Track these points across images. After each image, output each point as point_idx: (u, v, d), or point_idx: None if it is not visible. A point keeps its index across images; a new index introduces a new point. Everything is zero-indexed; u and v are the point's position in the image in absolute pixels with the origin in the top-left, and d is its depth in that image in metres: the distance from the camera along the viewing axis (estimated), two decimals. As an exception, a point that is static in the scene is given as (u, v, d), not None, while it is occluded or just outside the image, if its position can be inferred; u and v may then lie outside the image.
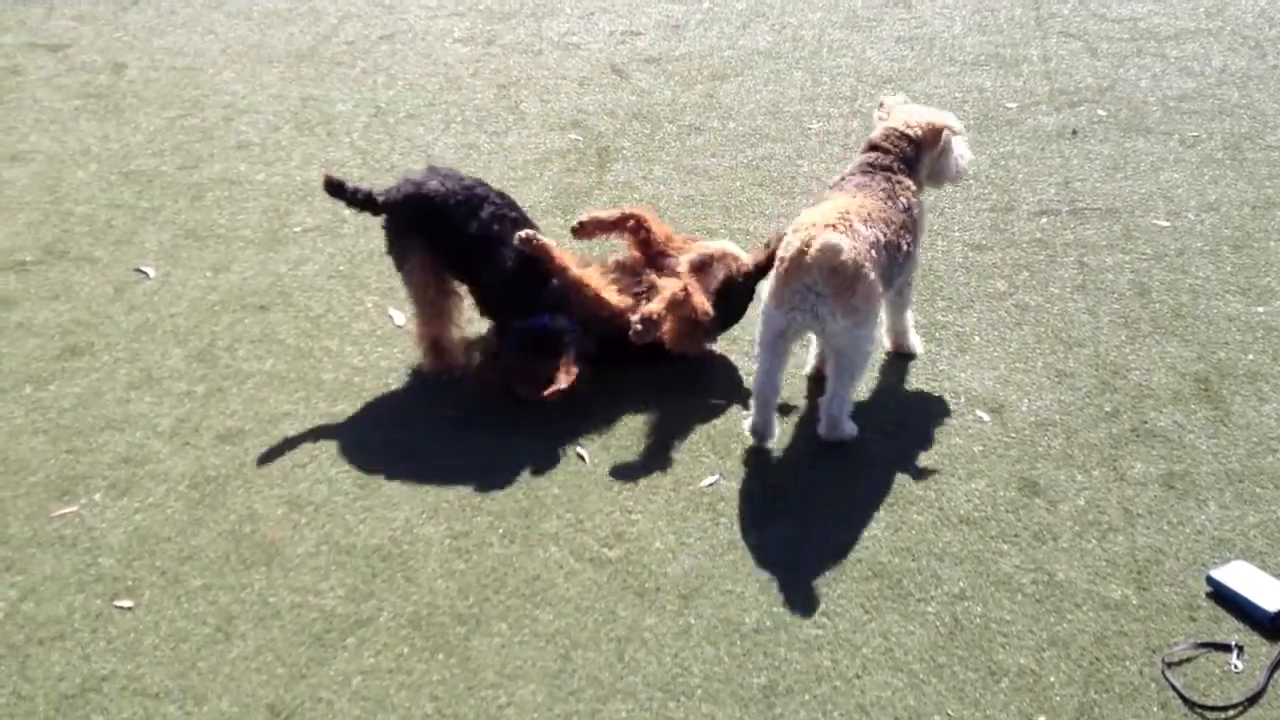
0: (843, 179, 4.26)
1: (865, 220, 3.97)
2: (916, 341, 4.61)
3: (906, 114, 4.35)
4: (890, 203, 4.13)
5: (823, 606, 3.63)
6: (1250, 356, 4.50)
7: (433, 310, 4.59)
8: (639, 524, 3.97)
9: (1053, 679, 3.36)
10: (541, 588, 3.75)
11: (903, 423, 4.30)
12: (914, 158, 4.28)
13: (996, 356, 4.59)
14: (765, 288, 4.05)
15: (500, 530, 3.96)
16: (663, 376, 4.57)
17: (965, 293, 4.94)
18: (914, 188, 4.24)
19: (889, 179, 4.19)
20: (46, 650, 3.61)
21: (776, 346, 4.06)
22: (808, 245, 3.80)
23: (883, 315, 4.31)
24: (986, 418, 4.31)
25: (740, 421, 4.32)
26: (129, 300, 5.21)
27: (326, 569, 3.85)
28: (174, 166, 6.29)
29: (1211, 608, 3.53)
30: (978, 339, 4.69)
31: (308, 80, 7.17)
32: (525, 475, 4.18)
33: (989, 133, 6.10)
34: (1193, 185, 5.57)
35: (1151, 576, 3.65)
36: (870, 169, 4.23)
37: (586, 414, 4.43)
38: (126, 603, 3.77)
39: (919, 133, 4.28)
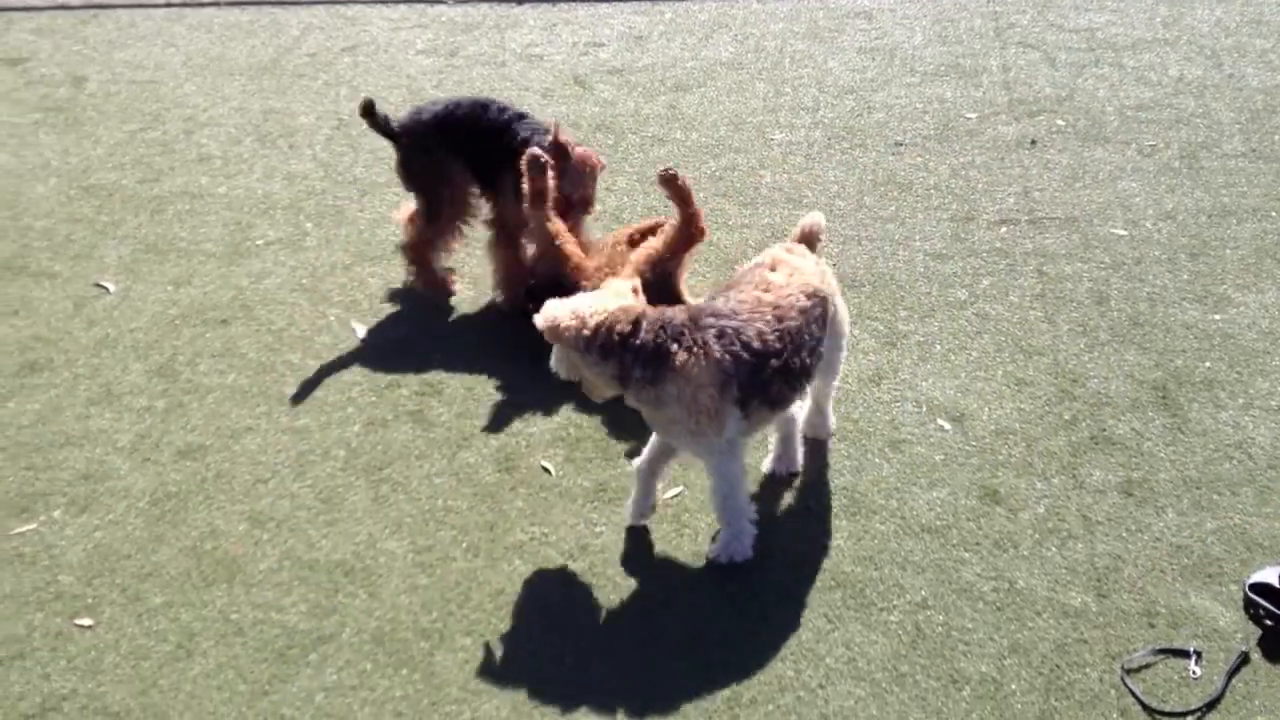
0: None
1: None
2: None
3: None
4: None
5: (786, 617, 3.64)
6: (1207, 364, 4.55)
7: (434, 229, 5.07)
8: (603, 536, 3.97)
9: (1014, 687, 3.39)
10: (505, 602, 3.75)
11: (865, 432, 4.33)
12: None
13: (957, 365, 4.62)
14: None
15: (464, 544, 3.96)
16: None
17: (926, 302, 4.97)
18: None
19: None
20: (5, 670, 3.58)
21: None
22: None
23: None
24: (948, 426, 4.34)
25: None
26: (89, 315, 5.18)
27: (289, 585, 3.84)
28: (134, 180, 6.25)
29: (1169, 614, 3.57)
30: (939, 348, 4.72)
31: (269, 93, 7.14)
32: (490, 488, 4.18)
33: (949, 143, 6.14)
34: (1150, 194, 5.62)
35: (1110, 584, 3.68)
36: None
37: (550, 426, 4.44)
38: (86, 621, 3.74)
39: None
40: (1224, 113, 6.26)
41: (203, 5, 8.49)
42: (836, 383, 4.17)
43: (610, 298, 3.70)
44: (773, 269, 3.78)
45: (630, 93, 6.91)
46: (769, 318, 3.64)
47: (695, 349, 3.56)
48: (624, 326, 3.58)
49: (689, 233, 4.39)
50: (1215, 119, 6.21)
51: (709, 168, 6.08)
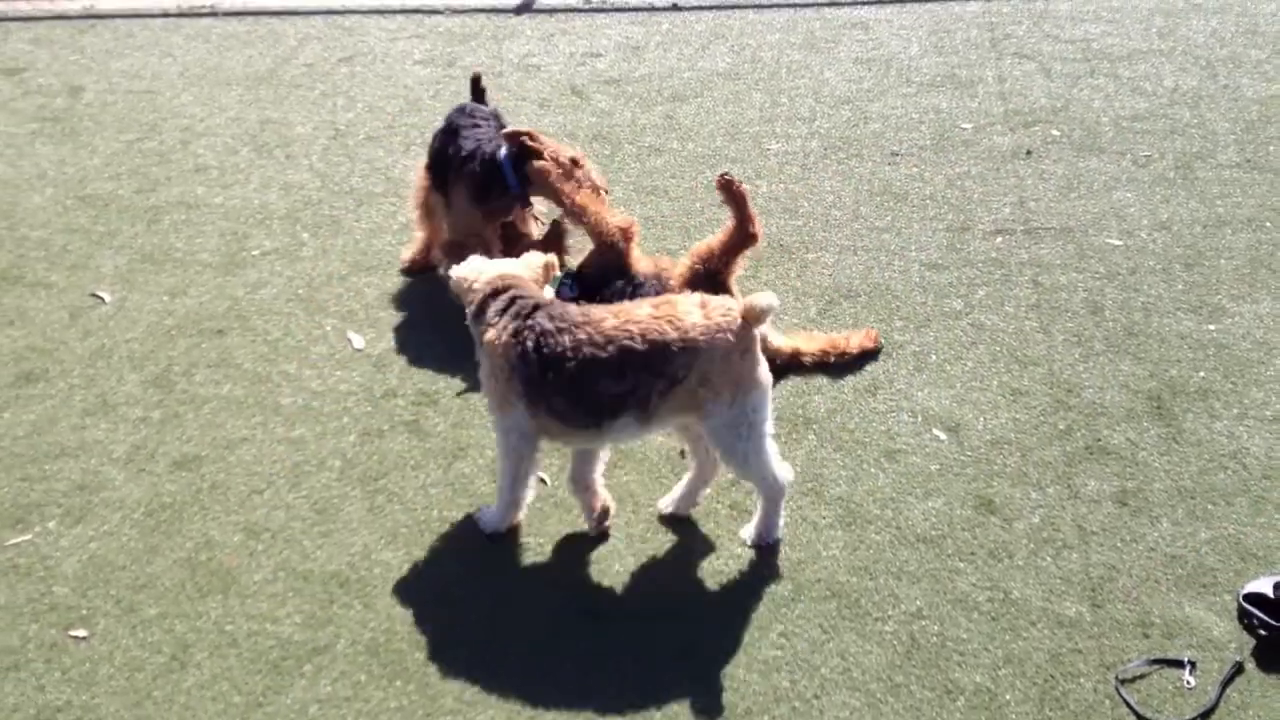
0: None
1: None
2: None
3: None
4: None
5: (781, 627, 3.64)
6: (1201, 374, 4.56)
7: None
8: (599, 546, 3.97)
9: (1008, 697, 3.39)
10: (501, 612, 3.75)
11: (860, 442, 4.33)
12: None
13: (953, 375, 4.63)
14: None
15: (459, 555, 3.96)
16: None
17: (922, 312, 4.98)
18: None
19: None
20: (0, 681, 3.57)
21: None
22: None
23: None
24: (943, 436, 4.34)
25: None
26: (84, 325, 5.18)
27: (284, 596, 3.84)
28: (131, 190, 6.25)
29: (1164, 624, 3.57)
30: (934, 358, 4.72)
31: (266, 103, 7.15)
32: (485, 499, 4.17)
33: (945, 153, 6.16)
34: (1145, 204, 5.63)
35: (1105, 594, 3.68)
36: None
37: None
38: (81, 632, 3.74)
39: None
40: (1219, 123, 6.28)
41: (200, 16, 8.50)
42: (740, 464, 3.77)
43: (516, 266, 3.97)
44: (655, 306, 3.72)
45: (627, 103, 6.92)
46: (584, 336, 3.65)
47: (501, 332, 3.73)
48: (485, 290, 3.84)
49: (743, 236, 4.59)
50: (1210, 129, 6.23)
51: (705, 178, 6.09)
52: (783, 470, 3.84)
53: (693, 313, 3.63)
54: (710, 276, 4.55)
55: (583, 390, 3.65)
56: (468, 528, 4.06)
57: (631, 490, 4.18)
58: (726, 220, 4.63)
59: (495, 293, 3.82)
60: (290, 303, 5.29)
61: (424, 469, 4.33)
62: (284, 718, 3.44)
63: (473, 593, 3.82)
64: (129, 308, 5.29)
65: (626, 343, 3.61)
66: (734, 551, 3.91)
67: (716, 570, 3.85)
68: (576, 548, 3.96)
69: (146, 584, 3.90)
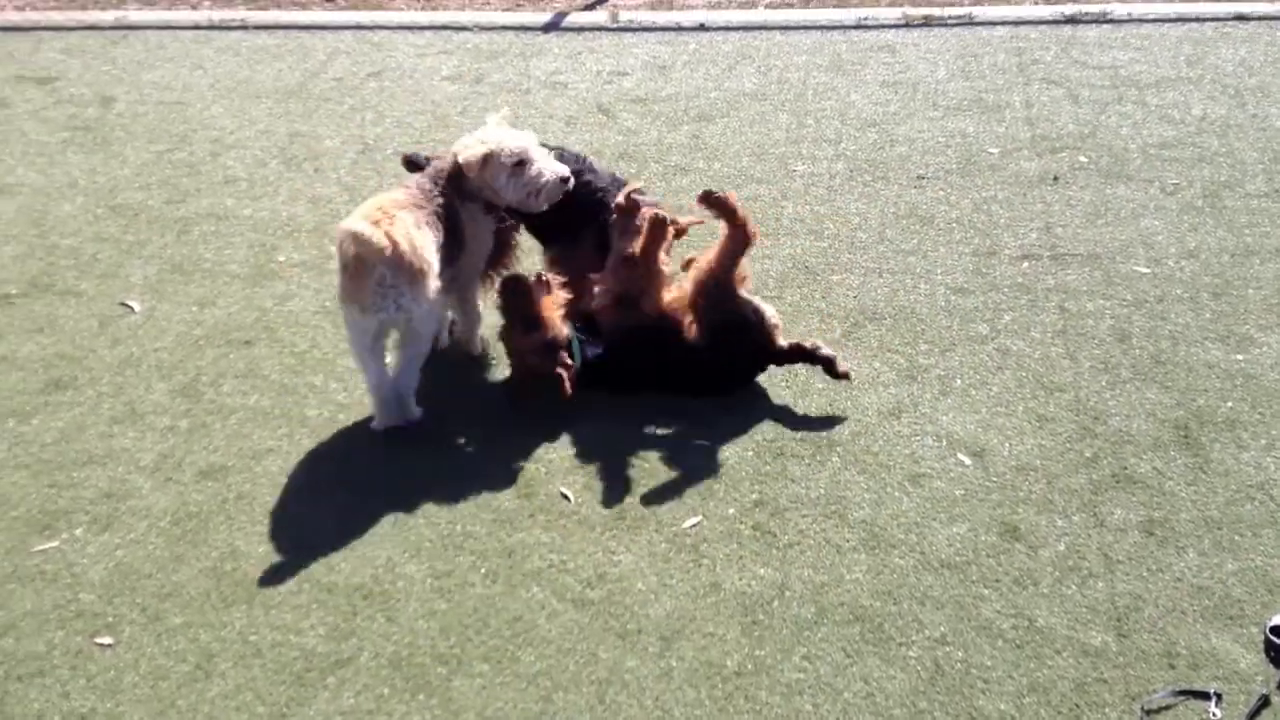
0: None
1: (400, 207, 4.38)
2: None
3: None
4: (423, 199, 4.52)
5: (804, 650, 3.64)
6: (1229, 404, 4.54)
7: None
8: (621, 565, 3.98)
9: (1033, 725, 3.38)
10: (523, 628, 3.75)
11: (885, 465, 4.33)
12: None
13: (978, 400, 4.62)
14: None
15: (483, 570, 3.97)
16: (647, 416, 4.59)
17: (947, 336, 4.97)
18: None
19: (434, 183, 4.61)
20: (25, 687, 3.59)
21: (375, 349, 4.44)
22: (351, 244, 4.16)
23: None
24: (968, 461, 4.33)
25: (722, 461, 4.35)
26: (113, 334, 5.21)
27: (308, 607, 3.85)
28: (161, 200, 6.30)
29: (1190, 655, 3.55)
30: (959, 382, 4.72)
31: (296, 116, 7.20)
32: (509, 514, 4.19)
33: (971, 177, 6.16)
34: (1173, 232, 5.62)
35: (1131, 623, 3.67)
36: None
37: (570, 453, 4.45)
38: (107, 639, 3.76)
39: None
40: (1247, 152, 6.27)
41: (230, 29, 8.57)
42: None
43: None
44: (400, 201, 4.40)
45: (654, 122, 6.95)
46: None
47: None
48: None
49: (740, 238, 4.59)
50: (1239, 158, 6.22)
51: (731, 198, 6.09)
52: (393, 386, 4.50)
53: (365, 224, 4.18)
54: (721, 291, 4.59)
55: None
56: (490, 543, 4.07)
57: (654, 509, 4.18)
58: (720, 230, 4.63)
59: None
60: (317, 315, 5.31)
61: (448, 483, 4.33)
62: (307, 730, 3.46)
63: (494, 609, 3.82)
64: (158, 317, 5.33)
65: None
66: (756, 573, 3.91)
67: (739, 590, 3.85)
68: (597, 566, 3.97)
69: (172, 592, 3.92)
